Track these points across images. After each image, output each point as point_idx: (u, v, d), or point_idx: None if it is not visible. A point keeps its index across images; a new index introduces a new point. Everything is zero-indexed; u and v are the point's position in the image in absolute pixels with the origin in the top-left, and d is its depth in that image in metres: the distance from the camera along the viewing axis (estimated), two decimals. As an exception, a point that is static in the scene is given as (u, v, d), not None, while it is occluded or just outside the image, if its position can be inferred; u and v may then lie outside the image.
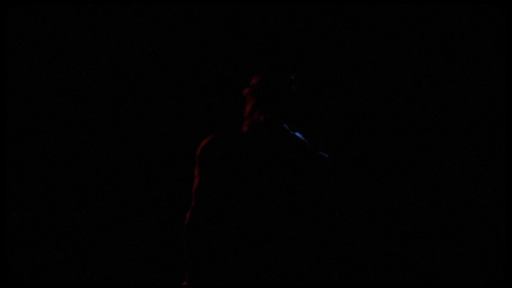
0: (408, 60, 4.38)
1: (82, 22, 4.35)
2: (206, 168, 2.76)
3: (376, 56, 4.41)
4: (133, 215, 4.38)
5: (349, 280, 2.76)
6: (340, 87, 4.39)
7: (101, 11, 4.35)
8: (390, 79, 4.39)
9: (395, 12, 4.37)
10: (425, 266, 4.30)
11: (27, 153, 4.30)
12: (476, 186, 4.32)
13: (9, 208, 4.20)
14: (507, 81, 4.06)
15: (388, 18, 4.38)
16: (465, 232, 4.29)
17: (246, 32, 4.47)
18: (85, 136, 4.36)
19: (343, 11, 4.43)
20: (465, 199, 4.31)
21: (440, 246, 4.31)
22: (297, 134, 2.85)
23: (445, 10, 4.35)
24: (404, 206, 4.32)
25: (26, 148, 4.29)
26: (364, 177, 4.19)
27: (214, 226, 2.73)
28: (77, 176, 4.34)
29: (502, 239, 4.23)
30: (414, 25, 4.37)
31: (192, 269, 2.68)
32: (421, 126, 4.36)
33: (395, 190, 4.34)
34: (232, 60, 4.47)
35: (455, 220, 4.31)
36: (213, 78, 4.45)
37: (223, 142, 2.77)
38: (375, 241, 4.24)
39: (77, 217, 4.32)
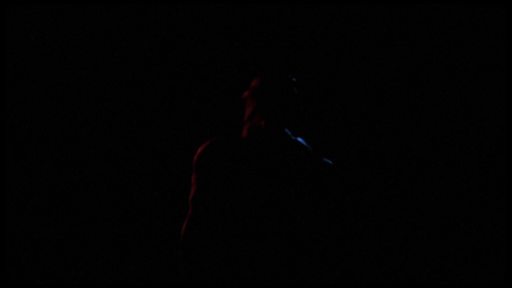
0: (408, 60, 4.28)
1: (82, 22, 4.27)
2: (204, 175, 2.54)
3: (377, 56, 4.28)
4: (132, 216, 4.27)
5: (350, 280, 2.53)
6: (344, 89, 4.24)
7: (102, 11, 4.26)
8: (391, 80, 4.27)
9: (395, 13, 4.27)
10: (425, 266, 4.20)
11: (27, 153, 4.22)
12: (476, 186, 4.21)
13: (9, 208, 4.14)
14: (507, 81, 4.00)
15: (388, 18, 4.27)
16: (465, 232, 4.19)
17: (245, 32, 4.32)
18: (85, 137, 4.26)
19: (345, 11, 4.30)
20: (465, 199, 4.21)
21: (440, 246, 4.21)
22: (299, 139, 2.63)
23: (445, 10, 4.25)
24: (405, 206, 4.21)
25: (26, 148, 4.21)
26: (369, 183, 4.07)
27: (211, 237, 2.49)
28: (77, 177, 4.25)
29: (502, 239, 4.15)
30: (414, 25, 4.27)
31: (189, 281, 2.44)
32: (423, 128, 4.24)
33: (400, 194, 4.22)
34: (231, 61, 4.31)
35: (455, 220, 4.21)
36: (211, 80, 4.29)
37: (221, 148, 2.56)
38: (376, 240, 4.11)
39: (77, 218, 4.23)
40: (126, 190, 4.27)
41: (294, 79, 2.68)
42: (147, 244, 4.25)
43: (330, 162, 2.61)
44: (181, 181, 4.21)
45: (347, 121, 4.24)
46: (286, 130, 2.63)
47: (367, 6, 4.28)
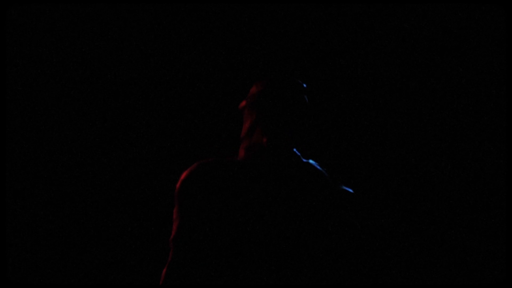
0: (407, 61, 3.90)
1: (83, 22, 3.95)
2: (189, 208, 1.72)
3: (381, 57, 3.88)
4: (131, 217, 3.87)
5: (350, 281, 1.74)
6: (363, 98, 3.74)
7: (102, 11, 3.94)
8: (394, 84, 3.88)
9: (394, 13, 3.91)
10: (425, 267, 3.83)
11: (27, 153, 3.94)
12: (476, 186, 3.88)
13: (9, 208, 3.90)
14: (507, 81, 3.71)
15: (387, 18, 3.91)
16: (465, 232, 3.85)
17: (243, 30, 3.75)
18: (84, 137, 3.94)
19: (348, 10, 3.87)
20: (465, 199, 3.87)
21: (440, 246, 3.85)
22: (311, 162, 1.78)
23: (444, 10, 3.94)
24: (406, 206, 3.80)
25: (26, 148, 3.93)
26: (394, 215, 3.64)
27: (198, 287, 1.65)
28: (77, 178, 3.92)
29: (502, 239, 3.86)
30: (414, 26, 3.92)
31: None
32: (425, 131, 3.87)
33: (400, 195, 3.77)
34: (226, 63, 3.72)
35: (455, 221, 3.86)
36: (199, 87, 3.72)
37: (211, 174, 1.74)
38: (376, 241, 3.69)
39: (77, 218, 3.91)
40: (123, 190, 3.87)
41: (304, 85, 1.84)
42: (146, 245, 3.86)
43: (350, 190, 1.76)
44: (162, 214, 3.61)
45: (369, 139, 3.70)
46: (295, 150, 1.79)
47: (367, 6, 3.91)
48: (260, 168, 1.73)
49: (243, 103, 1.87)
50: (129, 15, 3.91)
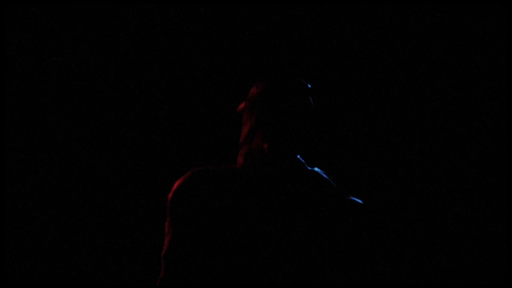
0: (407, 61, 3.82)
1: (83, 22, 3.89)
2: (181, 222, 1.53)
3: (384, 58, 3.77)
4: (130, 217, 3.78)
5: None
6: (371, 100, 3.60)
7: (102, 11, 3.88)
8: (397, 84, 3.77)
9: (394, 12, 3.84)
10: (425, 267, 3.77)
11: (26, 153, 3.89)
12: (476, 186, 3.83)
13: (9, 208, 3.84)
14: (507, 81, 3.71)
15: (387, 18, 3.82)
16: (465, 232, 3.79)
17: (242, 26, 3.57)
18: (85, 137, 3.87)
19: (354, 7, 3.77)
20: (465, 199, 3.81)
21: (440, 246, 3.79)
22: (317, 170, 1.58)
23: (444, 9, 3.90)
24: (406, 205, 3.73)
25: (26, 148, 3.87)
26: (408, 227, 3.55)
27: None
28: (77, 178, 3.85)
29: (502, 239, 3.80)
30: (413, 25, 3.85)
31: None
32: (426, 132, 3.79)
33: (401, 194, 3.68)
34: (224, 62, 3.54)
35: (455, 221, 3.80)
36: (196, 87, 3.54)
37: (206, 183, 1.55)
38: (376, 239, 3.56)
39: (77, 218, 3.84)
40: (114, 197, 3.79)
41: (309, 86, 1.64)
42: (145, 245, 3.77)
43: (360, 201, 1.56)
44: (154, 225, 3.44)
45: (379, 144, 3.57)
46: (299, 156, 1.59)
47: (368, 5, 3.86)
48: (261, 176, 1.53)
49: (242, 105, 1.68)
50: (129, 15, 3.85)
